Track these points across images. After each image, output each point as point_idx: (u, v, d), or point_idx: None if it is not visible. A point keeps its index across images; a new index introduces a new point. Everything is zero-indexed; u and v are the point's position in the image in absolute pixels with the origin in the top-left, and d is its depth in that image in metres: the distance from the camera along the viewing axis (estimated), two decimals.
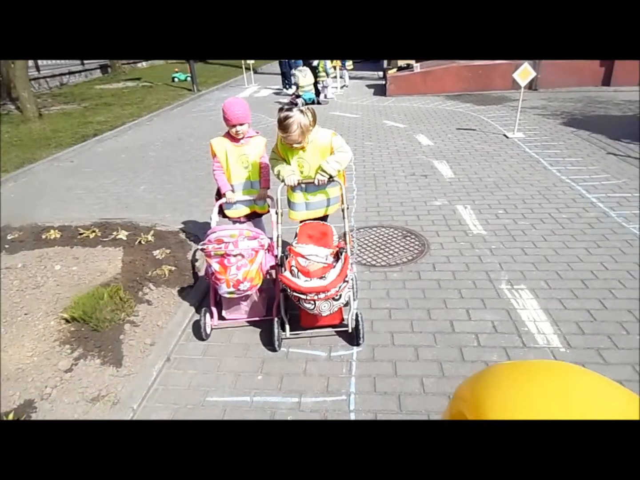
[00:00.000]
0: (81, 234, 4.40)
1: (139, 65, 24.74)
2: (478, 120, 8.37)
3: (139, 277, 3.54)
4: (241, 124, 3.03)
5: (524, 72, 6.79)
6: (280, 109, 2.69)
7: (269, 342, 2.78)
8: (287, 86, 12.54)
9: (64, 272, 3.68)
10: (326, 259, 2.69)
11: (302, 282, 2.53)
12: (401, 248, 3.92)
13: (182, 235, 4.36)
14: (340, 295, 2.55)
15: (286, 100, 10.63)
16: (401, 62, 12.39)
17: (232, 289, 2.70)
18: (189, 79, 15.88)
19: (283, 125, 2.66)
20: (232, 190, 3.20)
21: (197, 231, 4.41)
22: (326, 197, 3.00)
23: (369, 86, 13.21)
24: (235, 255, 2.65)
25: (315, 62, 10.74)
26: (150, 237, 4.22)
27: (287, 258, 2.68)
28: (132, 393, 2.41)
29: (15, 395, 2.38)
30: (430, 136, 7.49)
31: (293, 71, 10.51)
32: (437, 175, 5.66)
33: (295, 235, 2.89)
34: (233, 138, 3.13)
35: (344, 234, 2.86)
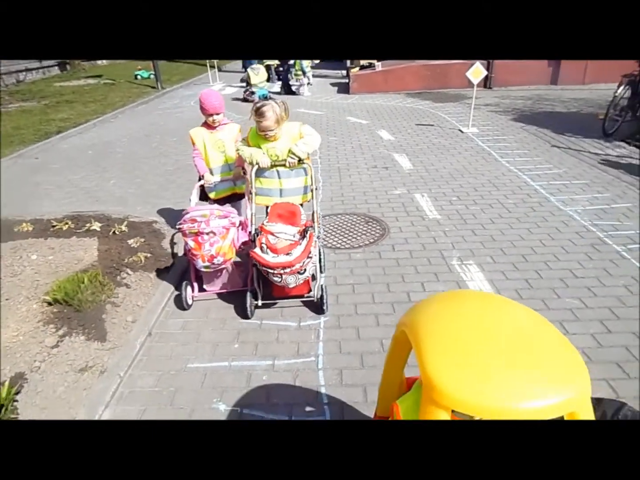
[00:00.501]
0: (54, 226, 4.50)
1: (99, 62, 24.20)
2: (436, 117, 8.83)
3: (116, 264, 3.71)
4: (217, 114, 3.31)
5: (476, 71, 7.25)
6: (258, 102, 2.98)
7: (243, 312, 3.03)
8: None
9: (40, 261, 3.80)
10: (293, 237, 2.97)
11: (270, 257, 2.79)
12: (364, 232, 4.24)
13: (155, 225, 4.53)
14: (305, 270, 2.83)
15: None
16: (363, 61, 12.77)
17: (207, 263, 2.97)
18: (152, 76, 15.76)
19: (260, 111, 2.89)
20: (211, 173, 3.46)
21: (170, 221, 4.59)
22: (302, 185, 3.22)
23: (332, 84, 13.55)
24: (207, 233, 2.92)
25: (291, 61, 11.21)
26: (124, 228, 4.37)
27: (257, 235, 2.91)
28: (118, 363, 2.62)
29: (5, 369, 2.54)
30: (391, 131, 7.87)
31: (247, 70, 10.96)
32: (397, 167, 6.02)
33: (267, 215, 3.15)
34: (209, 126, 3.40)
35: (312, 214, 3.14)
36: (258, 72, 10.80)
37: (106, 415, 2.30)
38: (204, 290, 3.28)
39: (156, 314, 3.07)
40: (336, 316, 3.03)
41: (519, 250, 3.77)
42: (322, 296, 3.00)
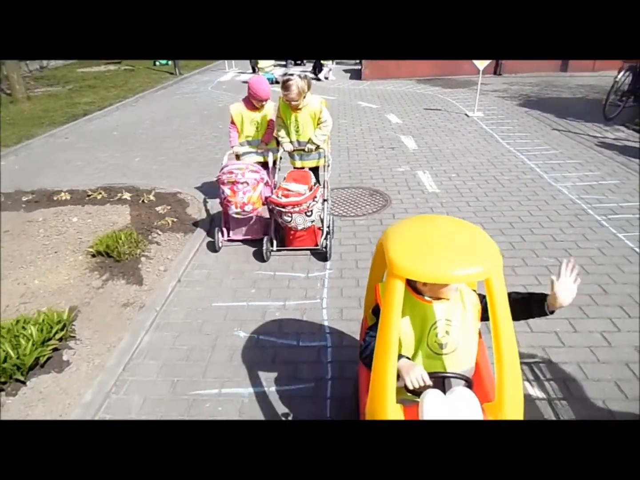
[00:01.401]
0: (89, 195, 5.01)
1: None
2: (444, 102, 9.14)
3: (147, 226, 4.20)
4: (268, 99, 3.88)
5: None
6: (285, 74, 3.57)
7: (260, 257, 3.61)
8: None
9: (81, 223, 4.31)
10: (303, 192, 3.50)
11: (283, 199, 3.42)
12: (368, 203, 4.66)
13: (179, 196, 5.00)
14: (312, 212, 3.46)
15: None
16: None
17: (239, 209, 3.60)
18: (170, 62, 16.23)
19: (285, 85, 3.50)
20: (242, 145, 4.03)
21: (193, 193, 5.07)
22: (316, 165, 3.99)
23: (345, 71, 13.85)
24: (242, 183, 3.52)
25: None
26: (152, 197, 4.86)
27: (276, 190, 3.59)
28: (154, 301, 3.10)
29: (61, 304, 3.04)
30: (400, 115, 8.22)
31: None
32: (403, 148, 6.40)
33: (284, 179, 3.72)
34: (250, 104, 3.89)
35: (324, 182, 3.80)
36: None
37: (146, 342, 2.79)
38: (231, 238, 3.92)
39: (184, 265, 3.55)
40: (339, 269, 3.47)
41: (508, 218, 4.16)
42: (327, 246, 3.56)
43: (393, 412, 1.40)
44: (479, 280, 1.40)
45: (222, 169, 3.63)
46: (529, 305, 1.59)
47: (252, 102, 3.88)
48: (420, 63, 12.02)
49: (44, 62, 18.04)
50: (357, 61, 14.49)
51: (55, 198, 5.00)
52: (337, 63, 15.02)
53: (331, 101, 9.69)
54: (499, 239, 3.80)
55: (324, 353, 2.62)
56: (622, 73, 6.98)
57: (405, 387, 1.50)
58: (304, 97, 3.59)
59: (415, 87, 10.96)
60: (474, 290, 1.70)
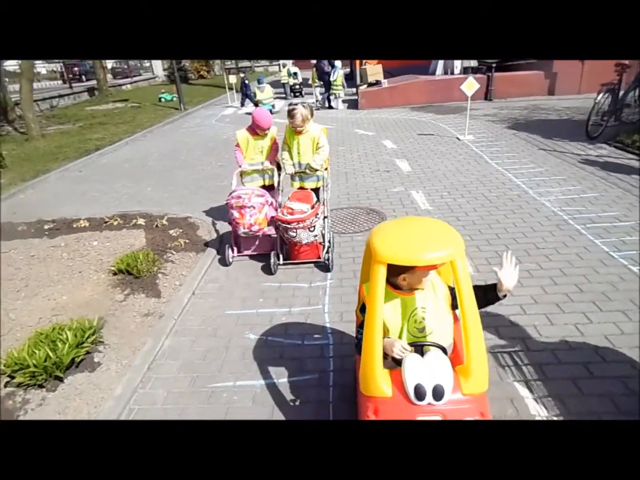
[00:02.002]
0: (106, 222, 5.40)
1: (124, 87, 25.76)
2: (437, 127, 9.63)
3: (161, 247, 4.56)
4: (269, 128, 4.37)
5: (469, 84, 8.04)
6: (290, 104, 4.11)
7: (267, 271, 3.98)
8: (242, 104, 14.84)
9: (100, 246, 4.68)
10: (306, 210, 3.89)
11: (288, 217, 3.80)
12: (365, 221, 5.03)
13: (190, 220, 5.39)
14: (314, 228, 3.85)
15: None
16: (371, 79, 13.71)
17: (246, 230, 4.00)
18: (175, 98, 17.02)
19: (291, 114, 4.01)
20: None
21: (202, 217, 5.45)
22: (316, 187, 4.39)
23: (343, 101, 14.46)
24: (249, 207, 3.93)
25: (333, 77, 13.03)
26: (164, 222, 5.25)
27: (280, 207, 4.07)
28: (172, 311, 3.43)
29: (89, 315, 3.36)
30: (395, 141, 8.70)
31: (253, 88, 13.53)
32: (398, 170, 6.82)
33: (288, 199, 4.11)
34: (255, 132, 4.38)
35: (323, 200, 4.22)
36: (263, 90, 13.10)
37: (167, 346, 3.10)
38: (240, 253, 4.33)
39: (197, 279, 3.89)
40: (339, 279, 3.80)
41: (494, 230, 4.51)
42: (328, 258, 3.94)
43: (381, 375, 1.71)
44: (445, 262, 1.72)
45: (230, 193, 4.04)
46: (485, 293, 1.92)
47: (257, 130, 4.33)
48: (414, 92, 12.63)
49: (54, 102, 18.90)
50: (354, 91, 15.17)
51: (74, 225, 5.39)
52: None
53: (329, 130, 10.17)
54: (485, 249, 4.14)
55: (326, 349, 2.93)
56: (601, 95, 7.44)
57: (393, 359, 1.81)
58: (308, 123, 4.10)
59: (409, 114, 11.50)
60: (447, 285, 2.02)
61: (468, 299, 1.71)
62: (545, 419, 2.27)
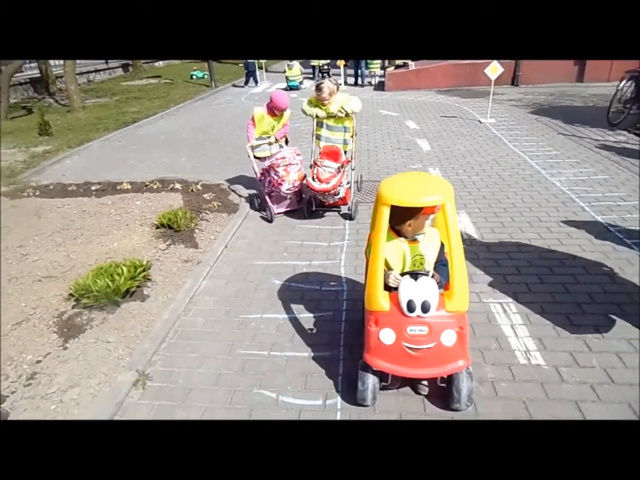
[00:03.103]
0: (146, 185, 5.93)
1: (156, 64, 26.32)
2: (460, 110, 9.84)
3: (197, 208, 5.07)
4: (286, 109, 4.83)
5: (493, 68, 8.23)
6: (318, 80, 4.56)
7: (290, 230, 4.55)
8: (245, 84, 15.70)
9: (143, 205, 5.22)
10: (334, 170, 4.43)
11: (317, 185, 4.34)
12: None
13: (222, 186, 5.87)
14: (339, 192, 4.43)
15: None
16: (399, 61, 13.85)
17: (290, 186, 4.53)
18: (206, 76, 17.45)
19: (319, 87, 4.44)
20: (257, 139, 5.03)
21: (233, 183, 5.93)
22: (343, 137, 4.72)
23: (370, 83, 14.68)
24: (294, 164, 4.50)
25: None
26: (199, 187, 5.75)
27: (312, 167, 4.52)
28: (208, 258, 3.93)
29: (137, 260, 3.89)
30: (417, 122, 8.97)
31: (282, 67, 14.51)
32: (418, 149, 7.14)
33: (319, 154, 4.68)
34: (271, 112, 4.86)
35: (352, 153, 4.72)
36: (292, 68, 13.95)
37: (204, 285, 3.60)
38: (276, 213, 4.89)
39: (229, 235, 4.38)
40: (356, 240, 4.23)
41: (503, 205, 4.84)
42: (352, 208, 4.61)
43: (381, 294, 2.15)
44: (438, 204, 2.09)
45: (273, 157, 4.60)
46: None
47: (274, 110, 4.84)
48: (441, 75, 12.76)
49: (91, 76, 19.61)
50: (382, 73, 15.33)
51: (118, 187, 5.94)
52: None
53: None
54: (492, 220, 4.49)
55: (340, 294, 3.38)
56: (624, 82, 7.55)
57: (388, 286, 2.21)
58: (334, 97, 4.50)
59: (434, 97, 11.68)
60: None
61: (454, 236, 2.09)
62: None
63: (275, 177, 4.55)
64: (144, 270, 3.50)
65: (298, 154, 4.64)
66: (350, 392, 2.40)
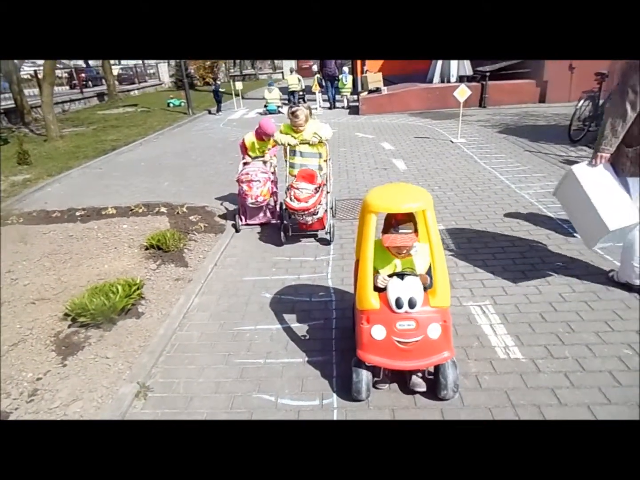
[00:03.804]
0: (131, 209, 6.03)
1: (132, 93, 26.53)
2: (432, 131, 10.30)
3: (184, 229, 5.19)
4: (273, 134, 5.08)
5: (461, 91, 8.71)
6: (291, 106, 4.73)
7: (278, 243, 4.72)
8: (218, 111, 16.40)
9: (130, 229, 5.31)
10: (311, 191, 4.48)
11: (295, 204, 4.33)
12: None
13: (207, 208, 6.01)
14: (317, 211, 4.43)
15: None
16: (371, 86, 14.41)
17: (253, 200, 4.83)
18: (183, 103, 17.73)
19: (294, 114, 4.58)
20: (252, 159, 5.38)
21: (217, 206, 6.09)
22: (317, 164, 4.80)
23: (344, 107, 15.19)
24: (255, 181, 4.77)
25: (346, 81, 15.12)
26: (184, 209, 5.88)
27: (288, 190, 4.53)
28: (199, 276, 4.05)
29: (130, 279, 3.98)
30: (392, 143, 9.35)
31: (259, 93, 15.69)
32: (394, 169, 7.46)
33: (295, 177, 4.74)
34: (260, 137, 5.26)
35: (326, 177, 4.76)
36: (272, 91, 14.94)
37: (197, 302, 3.71)
38: (247, 223, 5.28)
39: (218, 254, 4.51)
40: (341, 254, 4.42)
41: (477, 217, 5.13)
42: (330, 231, 4.62)
43: (371, 294, 2.33)
44: (418, 210, 2.30)
45: (240, 172, 5.02)
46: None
47: (262, 136, 5.22)
48: (412, 98, 13.32)
49: (66, 106, 19.63)
50: (356, 99, 15.88)
51: (103, 212, 6.02)
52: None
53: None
54: (468, 231, 4.76)
55: (330, 304, 3.54)
56: (582, 102, 8.10)
57: (377, 287, 2.40)
58: (308, 123, 4.69)
59: (407, 119, 12.18)
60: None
61: (435, 241, 2.29)
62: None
63: (241, 192, 4.93)
64: (138, 289, 3.60)
65: (264, 172, 4.91)
66: (345, 391, 2.54)
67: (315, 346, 3.05)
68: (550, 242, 4.34)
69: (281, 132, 4.84)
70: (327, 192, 4.73)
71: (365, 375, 2.42)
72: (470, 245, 4.42)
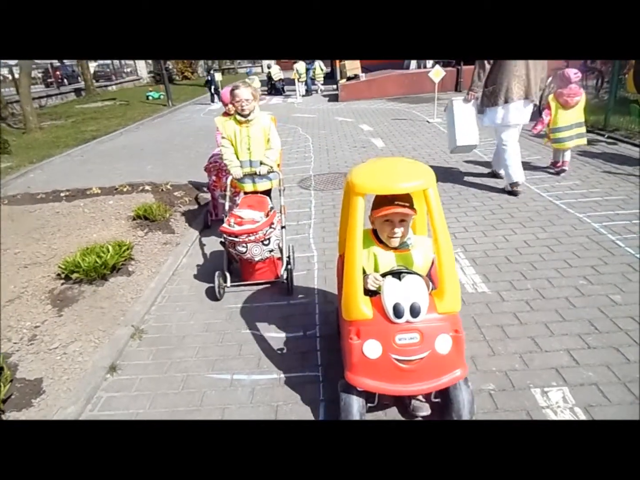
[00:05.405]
0: (116, 189, 6.14)
1: (109, 88, 26.25)
2: (410, 113, 10.56)
3: (170, 203, 5.34)
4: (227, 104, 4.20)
5: (436, 72, 8.99)
6: (233, 85, 3.37)
7: (213, 295, 3.22)
8: (212, 100, 16.38)
9: (116, 204, 5.44)
10: (260, 218, 3.18)
11: (236, 228, 3.04)
12: (342, 182, 5.86)
13: (189, 186, 6.16)
14: (269, 241, 3.08)
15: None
16: (350, 73, 14.63)
17: (222, 193, 4.27)
18: (162, 96, 17.70)
19: (234, 93, 3.24)
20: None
21: (199, 185, 6.23)
22: (270, 188, 3.60)
23: (324, 95, 15.39)
24: (224, 170, 4.04)
25: (316, 63, 16.08)
26: (169, 186, 6.01)
27: (226, 218, 3.23)
28: (187, 241, 4.22)
29: (120, 241, 4.11)
30: (371, 125, 9.59)
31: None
32: (373, 147, 7.69)
33: (237, 206, 3.42)
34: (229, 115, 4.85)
35: (281, 207, 3.49)
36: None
37: (185, 261, 3.88)
38: (217, 217, 4.71)
39: (202, 223, 4.67)
40: (321, 226, 4.60)
41: (455, 189, 5.39)
42: (289, 277, 3.18)
43: (362, 300, 1.79)
44: (419, 190, 1.78)
45: (208, 158, 4.64)
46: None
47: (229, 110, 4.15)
48: (390, 84, 13.59)
49: (42, 102, 19.38)
50: (335, 87, 16.08)
51: (88, 192, 6.12)
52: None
53: (312, 118, 11.08)
54: (446, 201, 5.01)
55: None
56: (550, 78, 8.44)
57: (367, 291, 1.86)
58: (255, 104, 3.33)
59: (385, 104, 12.43)
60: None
61: (440, 227, 1.77)
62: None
63: (210, 183, 4.60)
64: (128, 249, 3.75)
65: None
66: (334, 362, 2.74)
67: (298, 292, 3.25)
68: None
69: (223, 135, 3.45)
70: (282, 227, 3.37)
71: (356, 406, 1.91)
72: (458, 226, 4.50)
